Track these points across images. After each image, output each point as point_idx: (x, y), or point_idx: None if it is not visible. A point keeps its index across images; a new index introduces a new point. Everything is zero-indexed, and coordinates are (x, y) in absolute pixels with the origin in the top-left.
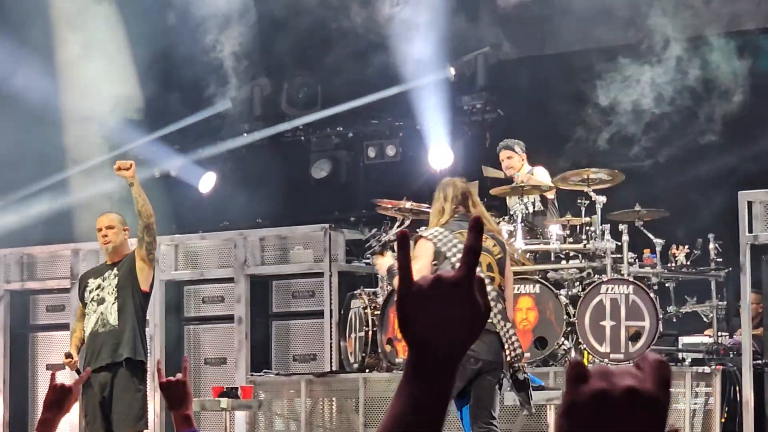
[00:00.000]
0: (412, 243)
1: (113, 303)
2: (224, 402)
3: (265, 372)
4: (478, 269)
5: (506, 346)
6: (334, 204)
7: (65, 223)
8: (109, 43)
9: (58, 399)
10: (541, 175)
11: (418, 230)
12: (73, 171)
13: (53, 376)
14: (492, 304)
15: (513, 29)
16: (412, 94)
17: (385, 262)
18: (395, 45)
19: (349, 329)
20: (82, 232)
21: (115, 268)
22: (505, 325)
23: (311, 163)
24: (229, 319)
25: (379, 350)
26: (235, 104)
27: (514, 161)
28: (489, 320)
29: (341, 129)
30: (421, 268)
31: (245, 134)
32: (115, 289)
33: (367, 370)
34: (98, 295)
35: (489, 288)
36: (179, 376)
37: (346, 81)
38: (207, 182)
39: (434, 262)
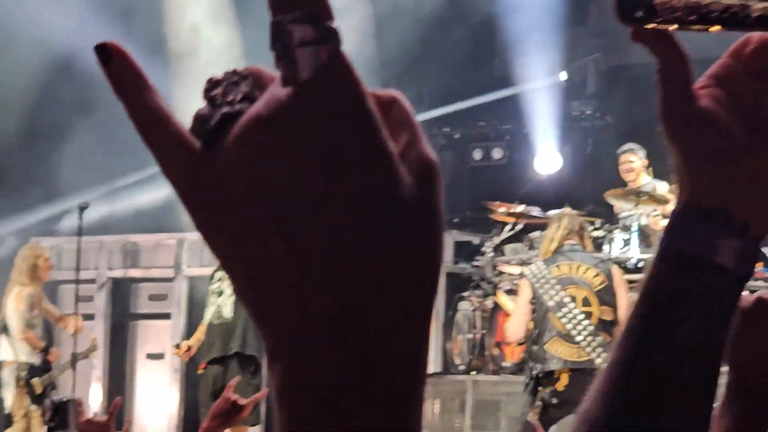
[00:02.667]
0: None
1: (230, 295)
2: None
3: None
4: (572, 306)
5: None
6: None
7: (172, 213)
8: (220, 34)
9: (228, 412)
10: (663, 190)
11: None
12: None
13: (230, 388)
14: (590, 338)
15: (625, 36)
16: (520, 97)
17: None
18: (505, 47)
19: (455, 330)
20: (188, 222)
21: None
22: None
23: None
24: None
25: (487, 353)
26: None
27: (635, 165)
28: (586, 357)
29: (448, 130)
30: (518, 305)
31: None
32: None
33: (473, 373)
34: (219, 287)
35: (585, 323)
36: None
37: (453, 82)
38: None
39: (532, 300)
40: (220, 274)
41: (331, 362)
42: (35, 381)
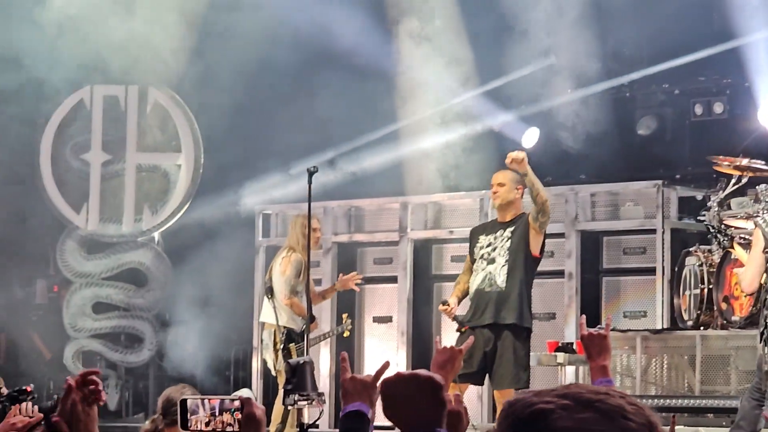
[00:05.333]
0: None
1: (503, 265)
2: (560, 357)
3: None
4: None
5: None
6: (659, 161)
7: (395, 177)
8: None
9: (448, 359)
10: None
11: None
12: (403, 124)
13: (438, 340)
14: None
15: None
16: (741, 50)
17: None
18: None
19: (683, 286)
20: (412, 185)
21: (508, 230)
22: None
23: (636, 120)
24: (558, 274)
25: (715, 308)
26: (560, 60)
27: None
28: None
29: (667, 86)
30: (752, 256)
31: (569, 90)
32: (507, 252)
33: (701, 328)
34: (489, 254)
35: None
36: (600, 329)
37: (672, 37)
38: (530, 137)
39: (765, 250)
40: (488, 239)
41: None
42: (291, 346)
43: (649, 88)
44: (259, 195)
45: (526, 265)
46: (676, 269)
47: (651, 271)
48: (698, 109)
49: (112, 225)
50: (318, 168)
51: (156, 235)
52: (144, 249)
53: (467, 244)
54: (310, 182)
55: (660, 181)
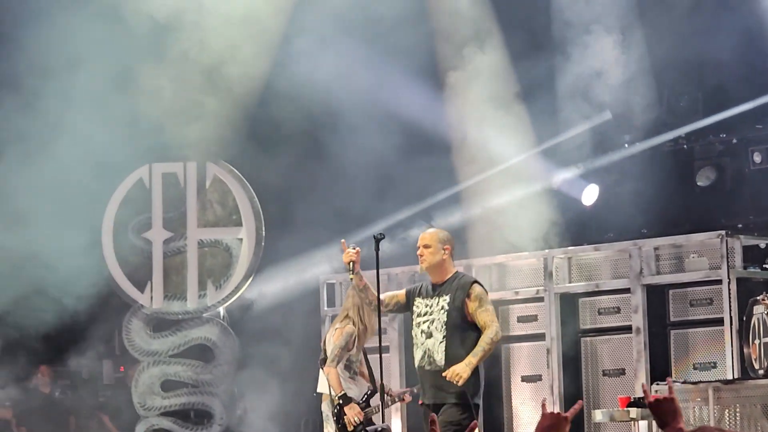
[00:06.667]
0: None
1: (441, 341)
2: (633, 412)
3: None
4: None
5: None
6: (721, 211)
7: (458, 240)
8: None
9: (553, 424)
10: None
11: None
12: (463, 186)
13: (544, 403)
14: None
15: None
16: None
17: None
18: None
19: (752, 335)
20: (475, 247)
21: (443, 299)
22: None
23: (695, 172)
24: (626, 329)
25: None
26: (616, 115)
27: None
28: None
29: (724, 136)
30: None
31: (626, 145)
32: (444, 326)
33: None
34: (427, 327)
35: None
36: (666, 394)
37: (727, 87)
38: (590, 194)
39: None
40: (425, 303)
41: None
42: (346, 415)
43: (707, 139)
44: (323, 264)
45: (464, 339)
46: (744, 318)
47: (719, 321)
48: (757, 158)
49: (177, 302)
50: (384, 235)
51: (221, 309)
52: (210, 324)
53: (534, 304)
54: (377, 249)
55: (723, 231)
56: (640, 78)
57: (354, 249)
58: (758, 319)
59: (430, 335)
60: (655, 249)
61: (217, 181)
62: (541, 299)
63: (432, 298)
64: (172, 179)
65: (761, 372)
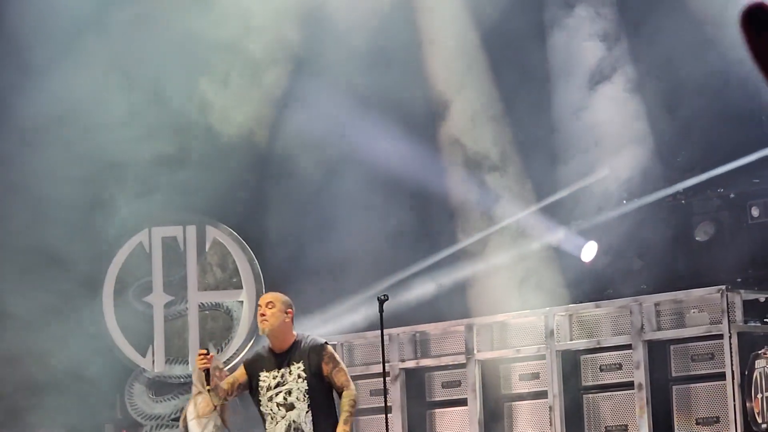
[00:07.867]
0: None
1: (307, 411)
2: None
3: None
4: None
5: None
6: (720, 266)
7: (458, 299)
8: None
9: None
10: None
11: None
12: (462, 245)
13: None
14: None
15: None
16: None
17: None
18: None
19: (754, 390)
20: (475, 307)
21: (295, 367)
22: None
23: (694, 226)
24: (628, 385)
25: None
26: (613, 172)
27: None
28: None
29: (722, 190)
30: None
31: (624, 201)
32: (306, 395)
33: None
34: (284, 398)
35: None
36: None
37: (724, 142)
38: (589, 251)
39: None
40: (272, 374)
41: None
42: None
43: (705, 194)
44: (325, 326)
45: (329, 404)
46: (746, 373)
47: (721, 376)
48: (755, 212)
49: (179, 366)
50: (388, 296)
51: None
52: None
53: (535, 362)
54: (381, 310)
55: (723, 286)
56: (636, 135)
57: (208, 354)
58: (760, 373)
59: (291, 407)
60: (656, 305)
61: (217, 244)
62: (542, 357)
63: (281, 368)
64: (172, 243)
65: (764, 426)
